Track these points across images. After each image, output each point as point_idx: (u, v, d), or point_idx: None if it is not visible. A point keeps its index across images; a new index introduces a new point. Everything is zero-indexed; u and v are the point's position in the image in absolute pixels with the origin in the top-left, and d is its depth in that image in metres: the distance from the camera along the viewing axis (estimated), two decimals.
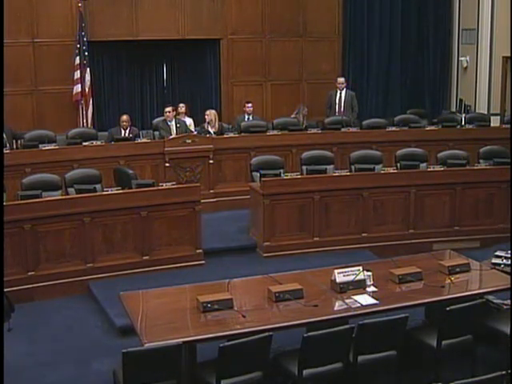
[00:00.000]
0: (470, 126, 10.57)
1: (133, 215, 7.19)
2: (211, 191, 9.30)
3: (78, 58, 11.07)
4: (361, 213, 7.97)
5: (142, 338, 4.55)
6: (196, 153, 9.24)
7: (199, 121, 10.56)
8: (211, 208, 8.92)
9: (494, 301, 5.80)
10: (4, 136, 8.90)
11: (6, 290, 5.88)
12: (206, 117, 10.01)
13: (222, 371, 4.47)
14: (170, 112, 9.77)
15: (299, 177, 8.03)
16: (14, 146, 9.51)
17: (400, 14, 12.96)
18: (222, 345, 4.41)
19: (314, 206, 7.82)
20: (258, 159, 8.57)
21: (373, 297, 5.16)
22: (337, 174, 8.12)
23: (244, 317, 4.82)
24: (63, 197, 7.35)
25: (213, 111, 10.20)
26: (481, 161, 8.83)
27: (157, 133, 9.97)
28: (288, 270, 5.78)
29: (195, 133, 9.78)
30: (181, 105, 10.54)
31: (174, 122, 9.78)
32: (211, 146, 9.32)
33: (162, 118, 10.08)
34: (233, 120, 11.12)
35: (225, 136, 9.76)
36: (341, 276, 5.26)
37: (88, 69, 11.16)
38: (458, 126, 10.71)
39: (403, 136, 9.98)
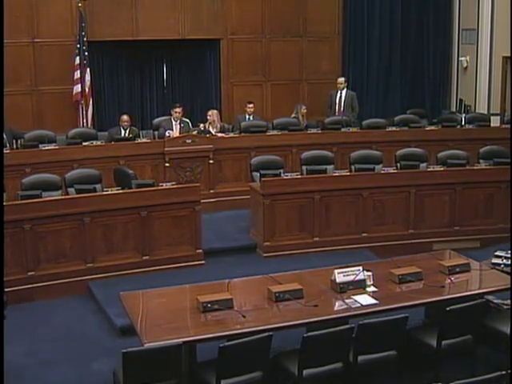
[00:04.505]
0: (470, 126, 10.55)
1: (133, 215, 7.20)
2: (211, 191, 9.30)
3: (77, 58, 11.05)
4: (361, 213, 7.96)
5: (141, 337, 4.55)
6: (196, 153, 9.24)
7: (199, 121, 10.55)
8: (211, 208, 8.91)
9: (494, 301, 5.79)
10: (4, 136, 8.89)
11: (5, 290, 5.87)
12: (209, 117, 10.00)
13: (221, 371, 4.46)
14: (179, 112, 9.74)
15: (299, 177, 8.02)
16: (14, 146, 9.51)
17: (400, 14, 12.96)
18: (221, 345, 4.40)
19: (314, 206, 7.82)
20: (257, 159, 8.57)
21: (373, 297, 5.16)
22: (337, 174, 8.12)
23: (244, 317, 4.81)
24: (63, 197, 7.35)
25: (215, 111, 10.21)
26: (481, 161, 8.83)
27: (157, 133, 9.95)
28: (288, 270, 5.78)
29: (195, 132, 9.77)
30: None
31: (178, 122, 9.77)
32: (211, 146, 9.32)
33: (165, 117, 10.07)
34: (233, 120, 11.12)
35: (225, 136, 9.76)
36: (341, 276, 5.26)
37: (88, 69, 11.14)
38: (458, 126, 10.69)
39: (403, 136, 9.97)
